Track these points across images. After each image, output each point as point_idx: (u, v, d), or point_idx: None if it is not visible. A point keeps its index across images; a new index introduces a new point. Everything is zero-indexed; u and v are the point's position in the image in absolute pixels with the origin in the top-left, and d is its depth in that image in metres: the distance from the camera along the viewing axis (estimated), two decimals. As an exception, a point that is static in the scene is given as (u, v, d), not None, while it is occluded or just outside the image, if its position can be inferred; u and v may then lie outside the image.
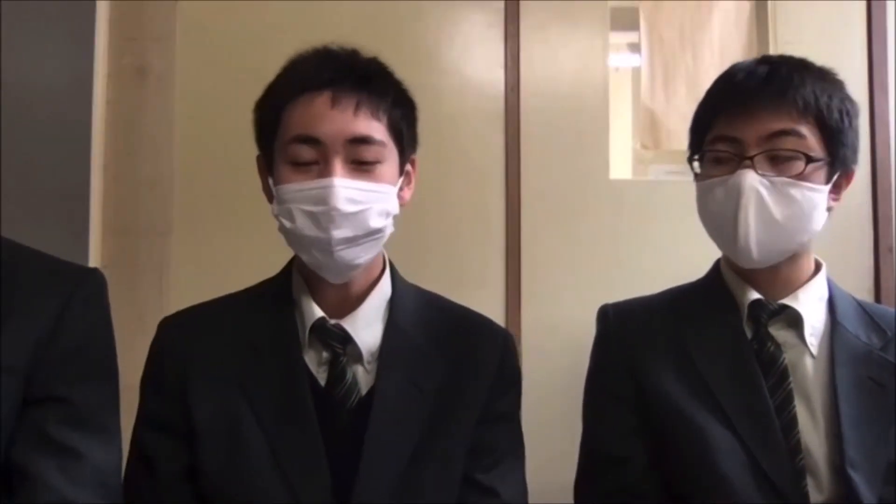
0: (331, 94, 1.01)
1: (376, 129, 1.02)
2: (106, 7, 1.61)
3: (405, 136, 1.07)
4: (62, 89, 1.54)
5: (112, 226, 1.60)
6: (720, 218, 1.12)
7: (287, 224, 1.01)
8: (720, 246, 1.18)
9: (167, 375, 1.05)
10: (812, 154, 1.09)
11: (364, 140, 1.01)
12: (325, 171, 1.00)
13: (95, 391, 1.00)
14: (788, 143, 1.09)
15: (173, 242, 1.62)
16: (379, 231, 1.03)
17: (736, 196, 1.09)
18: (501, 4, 1.71)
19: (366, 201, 1.00)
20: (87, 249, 1.53)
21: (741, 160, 1.10)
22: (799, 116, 1.09)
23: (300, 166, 1.01)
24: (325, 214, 0.99)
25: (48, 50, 1.54)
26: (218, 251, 1.60)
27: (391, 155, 1.05)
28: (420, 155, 1.62)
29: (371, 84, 1.03)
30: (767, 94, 1.10)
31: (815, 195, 1.10)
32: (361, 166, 1.01)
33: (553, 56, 1.71)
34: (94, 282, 1.05)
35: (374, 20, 1.67)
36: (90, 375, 1.00)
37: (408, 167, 1.10)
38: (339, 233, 0.99)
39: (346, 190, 0.99)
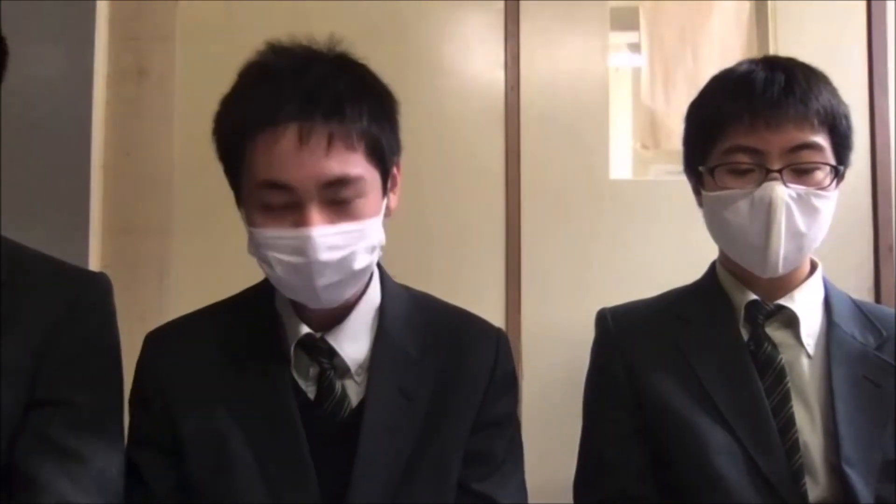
0: (298, 129, 0.90)
1: (353, 162, 0.93)
2: (106, 7, 1.62)
3: (386, 152, 0.98)
4: (62, 89, 1.55)
5: (112, 226, 1.60)
6: (744, 231, 1.10)
7: (266, 269, 0.96)
8: (739, 256, 1.15)
9: (152, 393, 1.02)
10: (832, 163, 1.10)
11: (340, 181, 0.92)
12: (300, 219, 0.92)
13: (99, 395, 1.00)
14: (811, 155, 1.09)
15: (173, 242, 1.62)
16: (366, 268, 0.98)
17: (766, 210, 1.08)
18: (501, 4, 1.71)
19: (348, 244, 0.93)
20: (87, 249, 1.54)
21: (765, 172, 1.09)
22: (818, 127, 1.10)
23: (272, 212, 0.93)
24: (305, 266, 0.92)
25: (48, 50, 1.54)
26: (218, 251, 1.60)
27: (372, 184, 0.96)
28: (420, 155, 1.64)
29: (343, 108, 0.92)
30: (791, 105, 1.09)
31: (831, 203, 1.11)
32: (340, 206, 0.93)
33: (553, 56, 1.71)
34: (99, 286, 1.05)
35: (375, 20, 1.67)
36: (94, 379, 1.00)
37: (393, 171, 1.02)
38: (322, 280, 0.93)
39: (326, 238, 0.91)
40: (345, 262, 0.94)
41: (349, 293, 1.00)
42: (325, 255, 0.92)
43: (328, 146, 0.91)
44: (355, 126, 0.93)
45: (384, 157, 0.98)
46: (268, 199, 0.93)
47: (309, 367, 1.02)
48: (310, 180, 0.91)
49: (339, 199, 0.93)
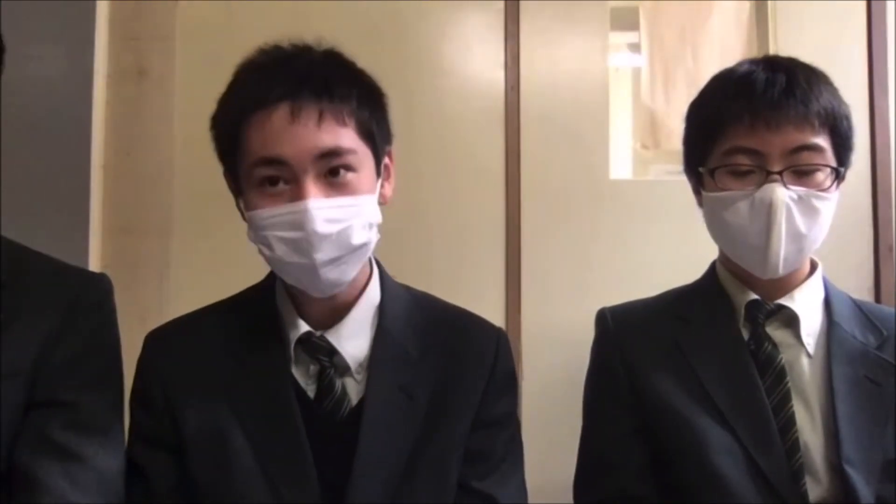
0: (289, 107, 0.94)
1: (344, 136, 0.96)
2: (106, 7, 1.62)
3: (377, 135, 1.00)
4: (62, 89, 1.55)
5: (112, 226, 1.60)
6: (745, 232, 1.10)
7: (266, 252, 0.97)
8: (739, 257, 1.15)
9: (153, 391, 1.03)
10: (833, 165, 1.10)
11: (333, 152, 0.95)
12: (296, 193, 0.94)
13: (99, 396, 1.00)
14: (811, 157, 1.09)
15: (173, 242, 1.62)
16: (364, 245, 0.98)
17: (767, 212, 1.07)
18: (501, 4, 1.71)
19: (345, 218, 0.95)
20: (87, 249, 1.54)
21: (766, 174, 1.08)
22: (819, 128, 1.09)
23: (269, 189, 0.95)
24: (303, 240, 0.94)
25: (48, 50, 1.54)
26: (218, 251, 1.60)
27: (365, 160, 0.98)
28: (420, 155, 1.64)
29: (333, 89, 0.96)
30: (791, 106, 1.08)
31: (831, 204, 1.11)
32: (335, 179, 0.95)
33: (553, 56, 1.71)
34: (100, 286, 1.05)
35: (375, 21, 1.67)
36: (94, 380, 1.01)
37: (385, 161, 1.04)
38: (321, 255, 0.94)
39: (322, 210, 0.93)
40: (343, 235, 0.95)
41: (349, 275, 1.00)
42: (323, 228, 0.93)
43: (319, 120, 0.94)
44: (345, 106, 0.97)
45: (375, 140, 1.00)
46: (264, 176, 0.95)
47: (309, 365, 1.03)
48: (303, 153, 0.94)
49: (332, 172, 0.95)
